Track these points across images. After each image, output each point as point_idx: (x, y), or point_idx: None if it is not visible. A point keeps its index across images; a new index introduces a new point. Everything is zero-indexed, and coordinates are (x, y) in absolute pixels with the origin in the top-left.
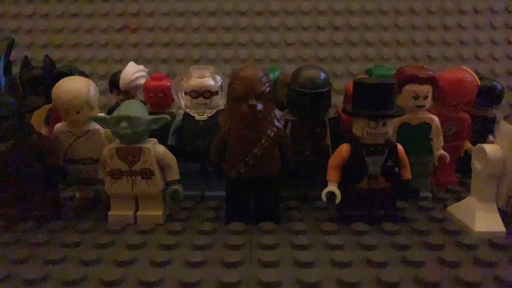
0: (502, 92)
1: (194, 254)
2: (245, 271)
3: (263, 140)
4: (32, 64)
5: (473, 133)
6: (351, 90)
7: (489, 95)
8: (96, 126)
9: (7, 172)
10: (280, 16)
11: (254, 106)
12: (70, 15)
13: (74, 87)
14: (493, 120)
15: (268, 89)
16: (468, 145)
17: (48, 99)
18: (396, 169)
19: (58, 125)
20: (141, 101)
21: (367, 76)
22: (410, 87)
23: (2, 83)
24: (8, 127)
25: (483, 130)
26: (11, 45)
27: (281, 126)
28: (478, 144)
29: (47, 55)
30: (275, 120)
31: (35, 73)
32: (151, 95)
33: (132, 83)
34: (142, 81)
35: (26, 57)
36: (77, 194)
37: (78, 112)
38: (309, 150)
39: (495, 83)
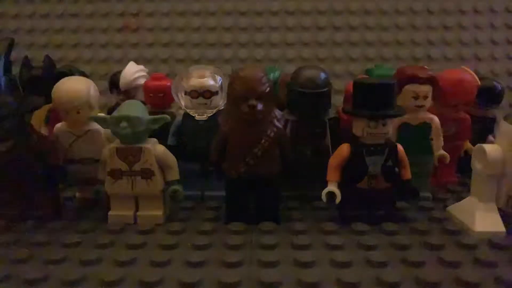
0: (502, 92)
1: (194, 254)
2: (245, 271)
3: (263, 140)
4: (32, 64)
5: (473, 133)
6: (351, 90)
7: (489, 95)
8: (96, 126)
9: (7, 172)
10: (280, 16)
11: (254, 107)
12: (70, 15)
13: (74, 87)
14: (493, 120)
15: (268, 89)
16: (468, 145)
17: (48, 99)
18: (396, 169)
19: (58, 125)
20: (141, 101)
21: (367, 76)
22: (410, 87)
23: (2, 83)
24: (8, 127)
25: (483, 130)
26: (11, 45)
27: (281, 126)
28: (478, 144)
29: (47, 55)
30: (275, 120)
31: (35, 73)
32: (151, 95)
33: (132, 83)
34: (142, 81)
35: (26, 57)
36: (77, 194)
37: (78, 112)
38: (309, 150)
39: (495, 83)
